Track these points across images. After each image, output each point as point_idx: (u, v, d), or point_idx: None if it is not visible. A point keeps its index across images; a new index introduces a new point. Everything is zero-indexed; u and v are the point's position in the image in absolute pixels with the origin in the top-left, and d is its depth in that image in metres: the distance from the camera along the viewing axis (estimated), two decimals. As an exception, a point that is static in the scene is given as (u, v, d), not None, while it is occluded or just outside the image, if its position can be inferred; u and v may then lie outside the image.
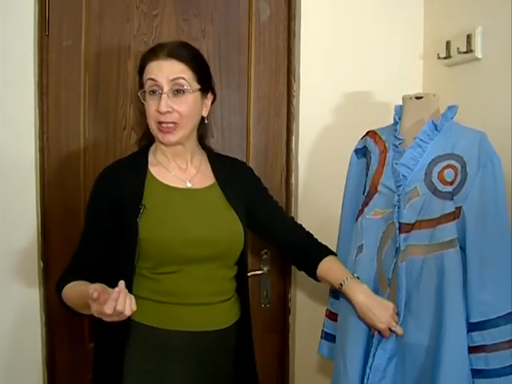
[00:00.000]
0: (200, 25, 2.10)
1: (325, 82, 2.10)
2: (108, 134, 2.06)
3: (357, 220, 1.65)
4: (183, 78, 1.52)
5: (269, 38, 2.14)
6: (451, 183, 1.51)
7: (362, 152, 1.73)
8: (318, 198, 2.10)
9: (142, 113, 2.01)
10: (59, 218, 2.02)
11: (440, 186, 1.51)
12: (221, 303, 1.58)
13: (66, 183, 2.02)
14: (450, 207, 1.49)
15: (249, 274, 2.06)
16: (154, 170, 1.60)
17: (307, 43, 2.10)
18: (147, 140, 1.68)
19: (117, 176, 1.58)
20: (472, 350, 1.48)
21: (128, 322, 1.39)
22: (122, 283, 1.26)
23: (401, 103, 1.66)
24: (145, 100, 1.56)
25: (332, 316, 1.77)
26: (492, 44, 1.78)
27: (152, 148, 1.66)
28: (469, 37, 1.83)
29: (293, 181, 2.18)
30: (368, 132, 1.73)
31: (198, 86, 1.56)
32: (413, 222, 1.52)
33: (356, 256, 1.62)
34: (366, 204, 1.63)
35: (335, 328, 1.73)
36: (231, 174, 1.69)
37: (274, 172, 2.20)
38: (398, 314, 1.54)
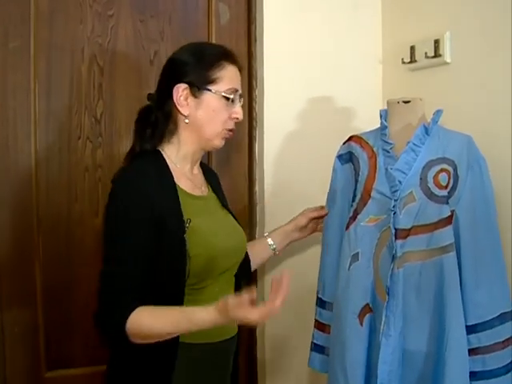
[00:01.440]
0: (158, 26, 1.99)
1: (289, 87, 2.06)
2: (61, 145, 1.89)
3: (348, 228, 1.61)
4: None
5: (229, 42, 2.04)
6: (446, 187, 1.50)
7: (346, 158, 1.69)
8: (285, 207, 2.02)
9: (96, 120, 1.91)
10: (8, 239, 1.84)
11: (436, 191, 1.50)
12: None
13: (14, 201, 1.85)
14: (446, 211, 1.48)
15: None
16: (175, 176, 1.47)
17: (269, 47, 2.05)
18: (136, 150, 1.53)
19: (153, 184, 1.40)
20: (469, 352, 1.48)
21: (175, 342, 1.36)
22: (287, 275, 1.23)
23: (385, 107, 1.65)
24: (211, 102, 1.46)
25: (321, 326, 1.71)
26: (460, 48, 1.81)
27: (167, 153, 1.49)
28: (436, 42, 1.85)
29: (256, 189, 2.11)
30: (351, 137, 1.70)
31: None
32: (409, 227, 1.50)
33: (350, 265, 1.57)
34: (358, 211, 1.59)
35: (326, 339, 1.68)
36: (215, 181, 1.68)
37: (236, 180, 2.12)
38: (388, 320, 1.51)
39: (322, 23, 2.10)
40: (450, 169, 1.51)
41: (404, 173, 1.53)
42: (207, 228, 1.46)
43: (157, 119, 1.49)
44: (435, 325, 1.49)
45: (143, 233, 1.35)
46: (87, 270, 1.84)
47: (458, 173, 1.51)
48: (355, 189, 1.62)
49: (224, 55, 1.48)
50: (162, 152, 1.49)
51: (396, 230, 1.51)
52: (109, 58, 1.93)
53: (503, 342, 1.49)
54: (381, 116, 1.62)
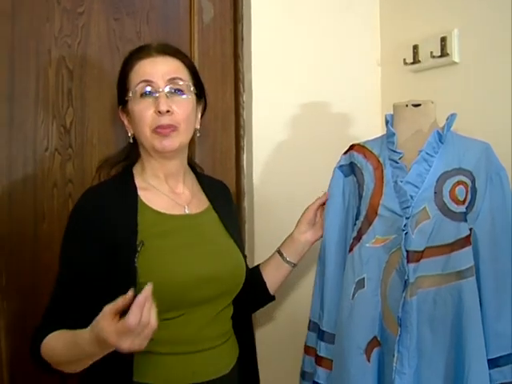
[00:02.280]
0: (134, 25, 1.79)
1: (280, 92, 1.86)
2: (26, 157, 1.68)
3: (351, 250, 1.41)
4: (180, 79, 1.33)
5: (213, 42, 1.87)
6: (463, 202, 1.32)
7: (348, 169, 1.50)
8: (277, 224, 1.81)
9: (66, 130, 1.72)
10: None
11: (453, 206, 1.31)
12: (223, 344, 1.36)
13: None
14: (465, 230, 1.30)
15: None
16: (145, 195, 1.34)
17: (258, 48, 1.85)
18: (108, 167, 1.45)
19: (104, 204, 1.29)
20: None
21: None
22: (147, 289, 1.04)
23: (386, 113, 1.47)
24: (132, 108, 1.34)
25: (322, 361, 1.50)
26: (469, 47, 1.63)
27: (137, 169, 1.40)
28: (443, 40, 1.67)
29: (245, 204, 1.91)
30: (352, 146, 1.51)
31: (195, 91, 1.37)
32: (422, 249, 1.31)
33: (355, 293, 1.38)
34: (363, 230, 1.39)
35: (328, 377, 1.47)
36: (222, 197, 1.50)
37: (223, 195, 1.92)
38: (402, 357, 1.31)
39: (314, 23, 1.91)
40: (468, 181, 1.33)
41: (416, 186, 1.34)
42: (171, 252, 1.29)
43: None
44: (452, 361, 1.30)
45: (85, 260, 1.26)
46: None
47: (476, 186, 1.33)
48: (359, 205, 1.43)
49: (132, 55, 1.37)
50: (133, 169, 1.40)
51: (408, 252, 1.32)
52: (79, 60, 1.73)
53: None
54: (387, 122, 1.43)
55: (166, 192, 1.37)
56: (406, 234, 1.32)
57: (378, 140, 1.48)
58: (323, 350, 1.49)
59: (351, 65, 1.96)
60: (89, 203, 1.31)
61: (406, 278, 1.31)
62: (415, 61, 1.78)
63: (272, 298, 1.55)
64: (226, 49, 1.89)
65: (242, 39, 1.88)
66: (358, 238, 1.40)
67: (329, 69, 1.93)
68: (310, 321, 1.55)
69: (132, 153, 1.43)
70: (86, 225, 1.27)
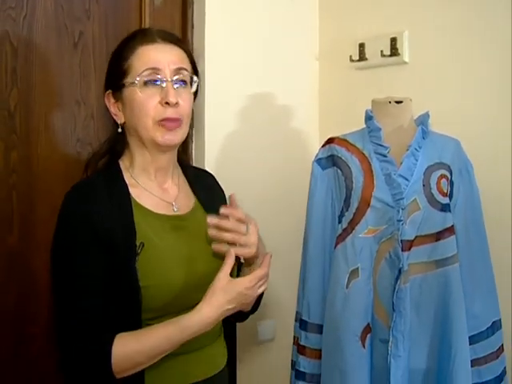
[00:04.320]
0: (83, 3, 1.65)
1: (231, 81, 1.84)
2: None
3: (343, 241, 1.44)
4: (185, 70, 1.25)
5: (164, 26, 1.75)
6: (447, 194, 1.42)
7: (327, 162, 1.53)
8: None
9: (9, 114, 1.55)
10: None
11: (440, 198, 1.41)
12: (214, 342, 1.31)
13: None
14: (450, 220, 1.40)
15: None
16: (135, 192, 1.24)
17: (211, 36, 1.81)
18: (94, 163, 1.31)
19: (99, 205, 1.17)
20: None
21: None
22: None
23: (370, 107, 1.52)
24: (132, 96, 1.22)
25: (307, 352, 1.52)
26: (417, 48, 1.76)
27: (124, 163, 1.28)
28: (393, 40, 1.78)
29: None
30: (332, 139, 1.54)
31: (196, 82, 1.28)
32: (413, 238, 1.39)
33: (349, 282, 1.42)
34: (356, 221, 1.43)
35: (314, 366, 1.50)
36: (208, 189, 1.41)
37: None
38: (396, 341, 1.39)
39: (262, 14, 1.92)
40: (448, 174, 1.44)
41: (407, 179, 1.41)
42: (168, 253, 1.22)
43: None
44: (437, 341, 1.40)
45: (89, 263, 1.15)
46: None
47: (453, 179, 1.44)
48: (349, 197, 1.46)
49: (133, 37, 1.27)
50: (120, 164, 1.28)
51: (401, 241, 1.39)
52: (24, 37, 1.55)
53: (496, 351, 1.46)
54: (370, 117, 1.48)
55: (154, 189, 1.28)
56: (402, 224, 1.39)
57: (359, 134, 1.52)
58: (304, 339, 1.53)
59: (292, 58, 2.00)
60: (81, 206, 1.17)
61: (400, 266, 1.38)
62: (361, 58, 1.87)
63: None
64: (176, 33, 1.81)
65: (192, 26, 1.83)
66: (350, 229, 1.44)
67: (273, 60, 1.95)
68: (296, 312, 1.57)
69: (118, 145, 1.30)
70: (84, 231, 1.15)
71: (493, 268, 1.48)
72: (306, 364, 1.52)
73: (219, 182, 1.48)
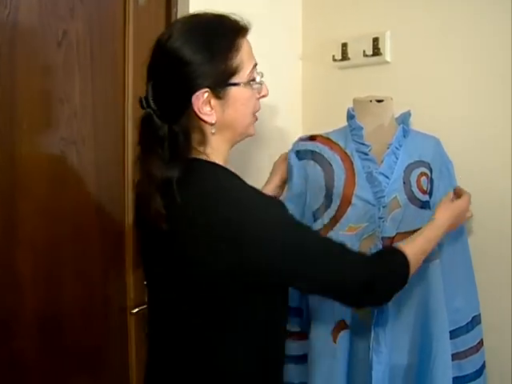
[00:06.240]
0: (67, 2, 1.64)
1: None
2: None
3: (323, 236, 1.46)
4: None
5: (148, 25, 1.79)
6: (426, 192, 1.45)
7: (305, 154, 1.54)
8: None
9: None
10: None
11: (419, 195, 1.43)
12: None
13: None
14: (429, 217, 1.42)
15: (134, 311, 1.77)
16: None
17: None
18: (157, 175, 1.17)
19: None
20: None
21: None
22: None
23: (352, 106, 1.54)
24: (240, 95, 1.20)
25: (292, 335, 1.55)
26: (399, 48, 1.78)
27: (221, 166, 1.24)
28: (375, 40, 1.79)
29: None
30: (314, 137, 1.56)
31: None
32: (393, 235, 1.41)
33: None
34: (337, 219, 1.45)
35: (300, 347, 1.55)
36: None
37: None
38: (378, 337, 1.41)
39: (247, 13, 1.91)
40: (428, 172, 1.46)
41: (387, 177, 1.43)
42: None
43: (173, 135, 1.16)
44: (418, 337, 1.42)
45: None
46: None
47: (433, 177, 1.47)
48: (330, 194, 1.47)
49: (235, 32, 1.22)
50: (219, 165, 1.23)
51: (382, 238, 1.41)
52: (8, 35, 1.54)
53: (476, 345, 1.49)
54: (352, 116, 1.50)
55: None
56: (383, 221, 1.41)
57: (341, 132, 1.54)
58: (292, 323, 1.56)
59: (275, 57, 2.00)
60: (255, 192, 1.18)
61: (382, 262, 1.39)
62: (344, 58, 1.88)
63: None
64: (160, 32, 1.81)
65: (176, 25, 1.83)
66: (331, 226, 1.46)
67: (256, 59, 1.95)
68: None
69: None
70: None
71: (472, 265, 1.52)
72: (291, 348, 1.54)
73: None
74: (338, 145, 1.50)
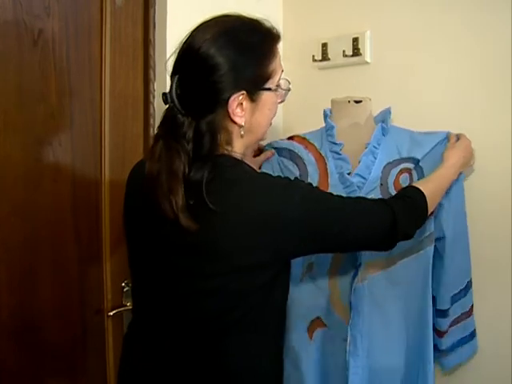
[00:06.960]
0: (42, 0, 1.63)
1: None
2: None
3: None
4: None
5: (125, 26, 1.77)
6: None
7: (283, 152, 1.55)
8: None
9: None
10: None
11: (396, 195, 1.42)
12: None
13: None
14: (408, 216, 1.41)
15: (111, 313, 1.76)
16: None
17: (171, 36, 1.79)
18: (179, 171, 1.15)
19: None
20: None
21: None
22: None
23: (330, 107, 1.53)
24: (270, 100, 1.23)
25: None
26: (379, 48, 1.77)
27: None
28: (355, 40, 1.79)
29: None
30: (292, 137, 1.56)
31: None
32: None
33: (303, 276, 1.44)
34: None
35: None
36: None
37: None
38: (355, 340, 1.40)
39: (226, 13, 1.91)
40: (411, 165, 1.44)
41: (364, 178, 1.42)
42: None
43: (199, 132, 1.15)
44: (403, 339, 1.42)
45: None
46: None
47: (421, 164, 1.45)
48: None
49: (273, 38, 1.25)
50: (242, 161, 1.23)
51: (357, 238, 1.40)
52: (-19, 33, 1.54)
53: (469, 310, 1.50)
54: (326, 116, 1.50)
55: None
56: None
57: (318, 133, 1.53)
58: None
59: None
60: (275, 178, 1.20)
61: (357, 264, 1.39)
62: (324, 58, 1.88)
63: None
64: (137, 34, 1.80)
65: (154, 25, 1.81)
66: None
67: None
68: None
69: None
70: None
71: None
72: None
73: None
74: (314, 145, 1.50)
